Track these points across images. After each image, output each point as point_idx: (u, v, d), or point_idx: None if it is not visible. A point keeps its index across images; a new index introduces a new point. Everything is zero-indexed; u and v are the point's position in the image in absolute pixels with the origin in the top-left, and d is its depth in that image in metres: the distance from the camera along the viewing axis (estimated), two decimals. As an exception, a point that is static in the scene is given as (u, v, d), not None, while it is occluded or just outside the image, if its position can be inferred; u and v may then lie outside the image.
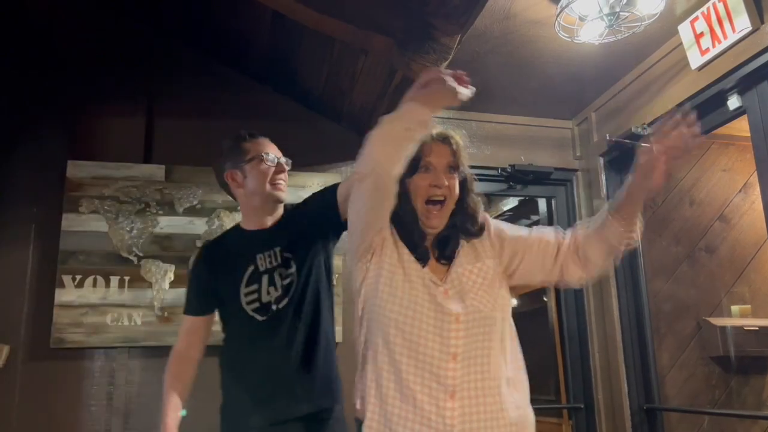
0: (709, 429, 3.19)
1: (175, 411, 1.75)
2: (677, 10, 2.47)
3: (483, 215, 1.54)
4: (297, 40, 2.62)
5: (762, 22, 2.21)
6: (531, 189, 3.38)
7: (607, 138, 3.02)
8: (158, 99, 2.95)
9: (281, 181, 1.81)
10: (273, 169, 1.79)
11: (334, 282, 1.93)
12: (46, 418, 2.52)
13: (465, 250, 1.48)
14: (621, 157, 3.13)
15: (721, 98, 2.49)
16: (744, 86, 2.39)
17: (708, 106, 2.57)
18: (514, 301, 1.61)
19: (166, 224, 2.79)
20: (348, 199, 1.42)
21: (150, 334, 2.66)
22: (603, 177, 3.20)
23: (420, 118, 1.27)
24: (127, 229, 2.73)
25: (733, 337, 3.27)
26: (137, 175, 2.81)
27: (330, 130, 3.13)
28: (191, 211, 2.83)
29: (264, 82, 3.09)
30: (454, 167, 1.48)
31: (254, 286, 1.73)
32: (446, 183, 1.44)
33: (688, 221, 3.44)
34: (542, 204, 3.61)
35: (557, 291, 3.43)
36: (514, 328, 1.47)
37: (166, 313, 2.69)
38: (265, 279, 1.74)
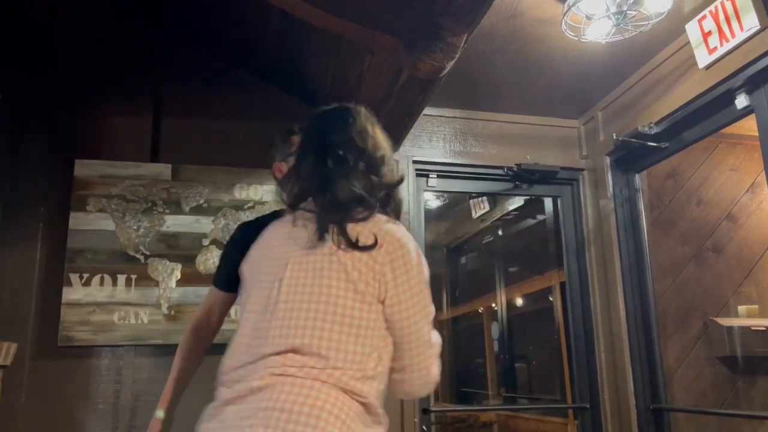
0: (716, 429, 3.18)
1: (180, 384, 1.80)
2: (685, 9, 2.46)
3: None
4: (303, 40, 2.62)
5: (770, 21, 2.20)
6: (537, 188, 3.37)
7: (614, 137, 3.01)
8: (165, 98, 2.96)
9: None
10: None
11: None
12: (53, 415, 2.53)
13: None
14: (627, 157, 3.12)
15: (728, 97, 2.48)
16: (752, 85, 2.38)
17: (715, 106, 2.56)
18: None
19: (173, 223, 2.80)
20: None
21: (157, 333, 2.67)
22: (609, 176, 3.20)
23: None
24: (134, 227, 2.75)
25: (741, 337, 3.26)
26: (144, 174, 2.82)
27: (336, 129, 3.12)
28: (198, 210, 2.84)
29: (270, 82, 3.10)
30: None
31: None
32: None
33: (695, 221, 3.43)
34: (548, 203, 3.60)
35: (563, 290, 3.42)
36: None
37: (172, 312, 2.70)
38: None
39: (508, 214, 4.53)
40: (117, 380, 2.62)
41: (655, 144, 2.89)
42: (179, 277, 2.74)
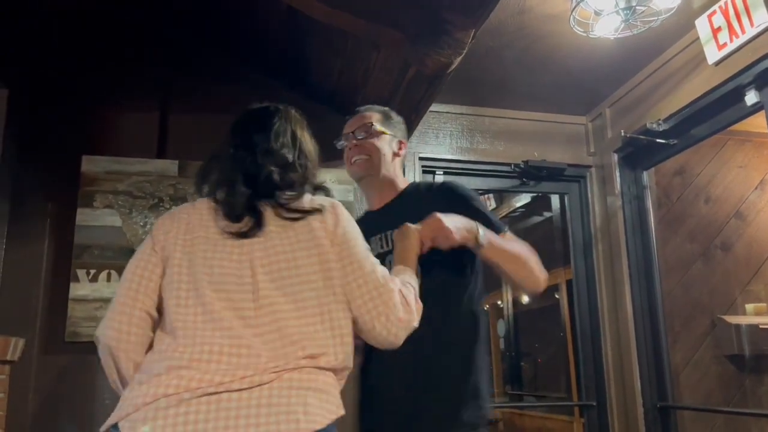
0: (723, 428, 3.16)
1: None
2: (694, 5, 2.44)
3: None
4: (310, 36, 2.62)
5: (781, 17, 2.18)
6: (544, 185, 3.36)
7: (622, 133, 3.00)
8: (172, 94, 2.96)
9: (354, 158, 1.79)
10: (346, 148, 1.82)
11: None
12: (60, 411, 2.54)
13: None
14: (635, 154, 3.10)
15: (738, 94, 2.46)
16: (762, 82, 2.36)
17: (725, 102, 2.55)
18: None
19: (180, 219, 2.80)
20: None
21: (163, 329, 2.67)
22: (617, 173, 3.18)
23: None
24: (141, 223, 2.75)
25: (748, 335, 3.25)
26: (151, 170, 2.82)
27: (342, 125, 3.11)
28: (204, 206, 2.84)
29: (277, 78, 3.09)
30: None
31: None
32: None
33: (703, 218, 3.41)
34: (555, 200, 3.59)
35: (570, 288, 3.41)
36: None
37: (179, 308, 2.70)
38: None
39: (514, 211, 4.52)
40: (124, 376, 2.62)
41: (663, 141, 2.88)
42: (186, 273, 2.74)
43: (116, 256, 2.69)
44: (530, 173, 3.27)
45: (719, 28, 2.39)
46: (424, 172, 3.20)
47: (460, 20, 1.96)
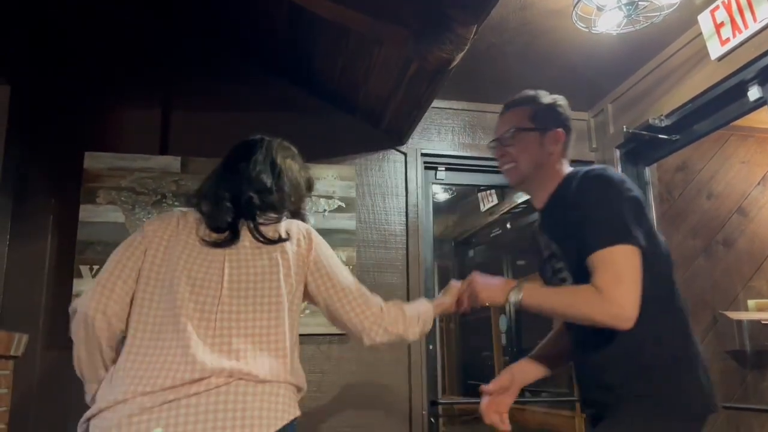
0: (725, 423, 3.17)
1: None
2: (697, 0, 2.43)
3: None
4: (312, 32, 2.62)
5: (784, 12, 2.17)
6: (546, 181, 3.35)
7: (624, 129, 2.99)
8: (174, 91, 2.96)
9: (503, 166, 1.74)
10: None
11: None
12: (64, 407, 2.54)
13: None
14: (638, 149, 3.10)
15: (741, 89, 2.46)
16: (765, 77, 2.35)
17: (727, 98, 2.54)
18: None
19: (182, 215, 2.80)
20: None
21: (166, 324, 2.68)
22: (619, 169, 3.17)
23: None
24: (144, 219, 2.75)
25: (750, 331, 3.25)
26: (153, 167, 2.82)
27: (344, 121, 3.12)
28: (206, 203, 2.84)
29: (279, 75, 3.09)
30: None
31: (545, 275, 1.67)
32: None
33: (705, 214, 3.41)
34: (557, 196, 3.59)
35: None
36: None
37: (181, 304, 2.70)
38: (548, 269, 1.63)
39: (516, 207, 4.52)
40: (127, 371, 2.63)
41: (665, 136, 2.87)
42: (188, 269, 2.75)
43: (119, 253, 2.70)
44: (532, 169, 3.27)
45: (722, 24, 2.39)
46: (426, 168, 3.20)
47: (463, 16, 1.95)
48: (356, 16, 2.10)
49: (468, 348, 6.04)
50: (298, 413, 1.34)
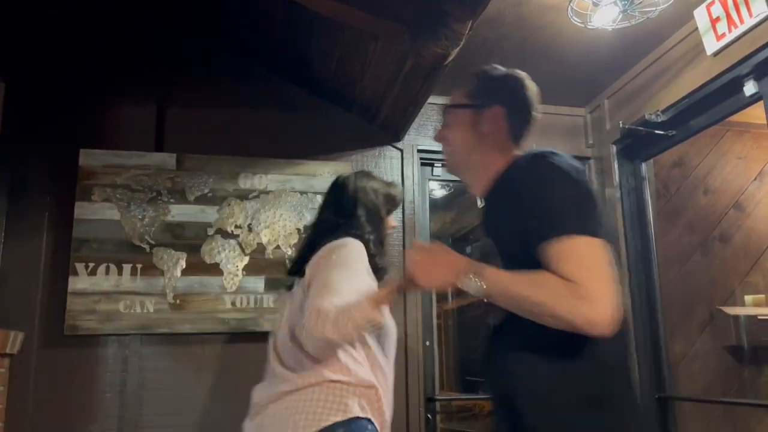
0: (722, 419, 3.17)
1: None
2: (693, -5, 2.43)
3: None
4: (309, 28, 2.61)
5: (780, 6, 2.17)
6: (543, 177, 3.35)
7: (620, 125, 2.99)
8: (170, 88, 2.95)
9: (443, 151, 1.55)
10: None
11: None
12: (60, 404, 2.54)
13: None
14: (634, 145, 3.09)
15: (736, 84, 2.45)
16: (760, 72, 2.35)
17: (723, 93, 2.54)
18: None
19: (178, 212, 2.80)
20: None
21: (162, 322, 2.67)
22: (616, 165, 3.17)
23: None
24: (139, 217, 2.75)
25: (747, 326, 3.25)
26: (149, 164, 2.81)
27: (340, 118, 3.12)
28: (202, 200, 2.84)
29: (276, 71, 3.09)
30: None
31: None
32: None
33: (702, 210, 3.41)
34: (554, 192, 3.58)
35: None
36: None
37: (178, 301, 2.70)
38: None
39: (513, 203, 4.51)
40: (123, 369, 2.63)
41: (662, 132, 2.87)
42: (184, 266, 2.75)
43: (115, 250, 2.69)
44: (529, 165, 3.26)
45: (718, 19, 2.38)
46: (422, 164, 3.20)
47: (458, 11, 1.95)
48: (352, 12, 2.09)
49: (466, 345, 6.04)
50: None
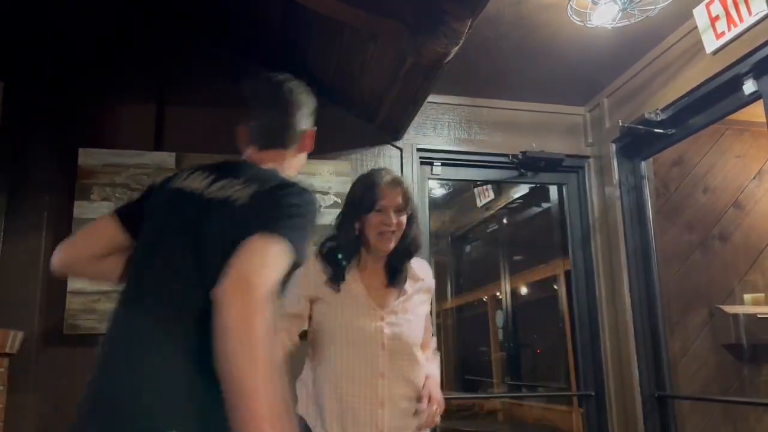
0: (721, 417, 3.18)
1: None
2: (692, -7, 2.43)
3: (431, 279, 1.96)
4: (308, 27, 2.61)
5: (779, 5, 2.17)
6: (542, 176, 3.36)
7: (620, 124, 2.99)
8: (169, 87, 2.95)
9: None
10: None
11: None
12: (60, 403, 2.54)
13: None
14: (633, 144, 3.10)
15: (736, 83, 2.46)
16: (760, 70, 2.36)
17: (723, 91, 2.54)
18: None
19: (177, 212, 2.79)
20: None
21: (162, 321, 2.67)
22: (615, 164, 3.18)
23: None
24: (139, 216, 2.74)
25: (746, 325, 3.26)
26: (148, 163, 2.81)
27: (340, 117, 3.11)
28: (202, 199, 2.83)
29: (275, 70, 3.07)
30: (402, 209, 1.79)
31: None
32: (394, 222, 1.77)
33: (701, 208, 3.41)
34: (553, 191, 3.59)
35: (568, 279, 3.41)
36: None
37: (177, 300, 2.70)
38: None
39: (513, 202, 4.52)
40: (123, 368, 2.63)
41: (661, 131, 2.87)
42: (184, 265, 2.74)
43: (114, 249, 2.69)
44: (528, 164, 3.27)
45: (717, 17, 2.38)
46: (422, 163, 3.20)
47: (458, 10, 1.95)
48: (352, 11, 2.10)
49: (465, 343, 6.05)
50: None
